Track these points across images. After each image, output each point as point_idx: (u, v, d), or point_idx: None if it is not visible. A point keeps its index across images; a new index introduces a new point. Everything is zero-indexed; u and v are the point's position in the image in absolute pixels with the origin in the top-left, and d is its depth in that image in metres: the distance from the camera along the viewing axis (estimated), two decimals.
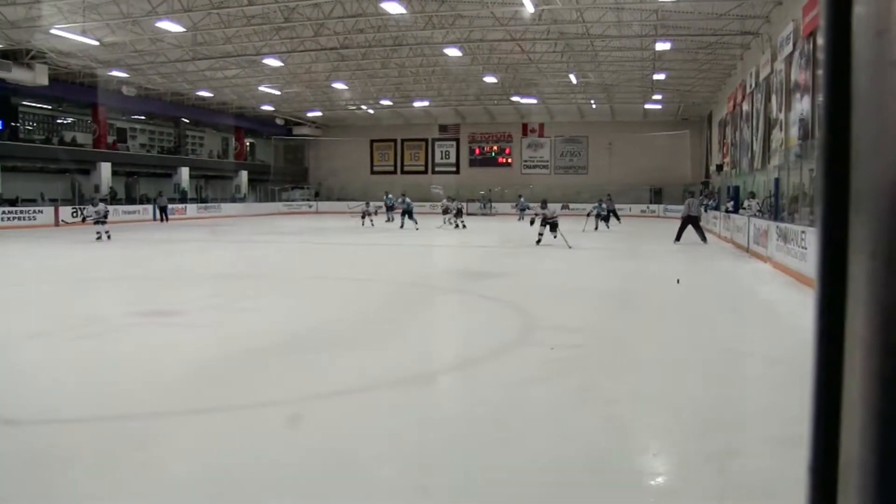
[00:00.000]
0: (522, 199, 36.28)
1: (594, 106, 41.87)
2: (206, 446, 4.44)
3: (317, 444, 4.45)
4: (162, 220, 34.21)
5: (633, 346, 7.42)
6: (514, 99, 39.98)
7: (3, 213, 27.97)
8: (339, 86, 36.36)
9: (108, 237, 20.79)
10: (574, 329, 8.10)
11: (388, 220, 31.53)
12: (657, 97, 37.81)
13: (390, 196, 33.29)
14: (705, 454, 4.29)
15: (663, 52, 27.51)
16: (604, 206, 27.20)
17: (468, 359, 6.86)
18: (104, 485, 3.84)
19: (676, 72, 31.85)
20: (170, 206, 36.15)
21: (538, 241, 18.09)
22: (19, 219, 28.34)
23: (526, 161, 48.06)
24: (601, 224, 26.50)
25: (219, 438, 4.58)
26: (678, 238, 20.61)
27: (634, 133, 44.04)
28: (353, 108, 44.18)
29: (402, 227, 27.27)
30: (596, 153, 46.26)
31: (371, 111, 45.36)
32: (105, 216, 21.56)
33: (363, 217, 30.25)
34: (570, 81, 34.28)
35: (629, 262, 16.32)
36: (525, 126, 47.50)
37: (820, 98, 0.72)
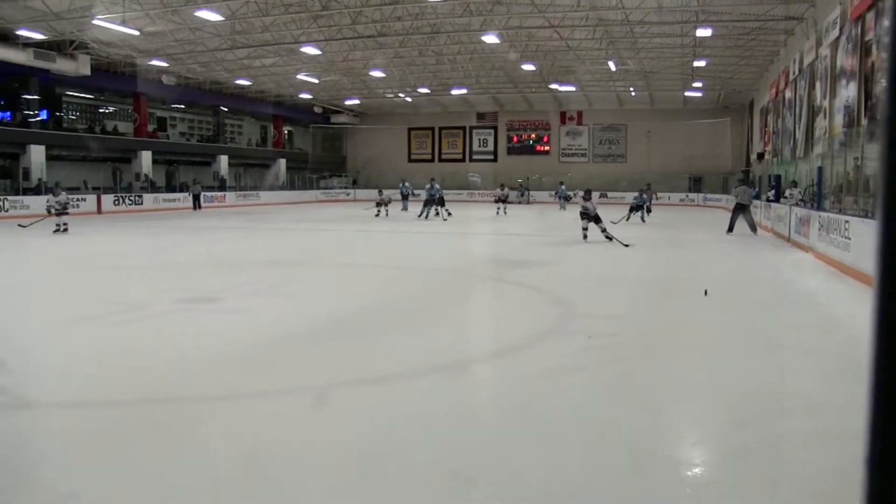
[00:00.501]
0: (563, 187, 34.85)
1: (633, 93, 41.41)
2: (241, 430, 4.48)
3: (350, 430, 4.47)
4: (195, 207, 33.98)
5: (672, 335, 7.34)
6: (553, 86, 39.67)
7: (48, 201, 28.35)
8: (376, 74, 36.40)
9: (66, 230, 19.36)
10: (612, 318, 8.03)
11: (404, 209, 31.01)
12: (697, 84, 37.25)
13: (406, 185, 32.98)
14: (745, 445, 4.22)
15: (704, 39, 27.09)
16: (644, 196, 25.91)
17: (504, 347, 6.82)
18: (142, 466, 3.89)
19: (717, 58, 31.36)
20: (208, 193, 36.61)
21: (585, 237, 16.70)
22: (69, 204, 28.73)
23: (564, 149, 47.74)
24: (634, 216, 24.66)
25: (254, 423, 4.62)
26: (730, 228, 19.88)
27: (674, 121, 43.48)
28: (391, 95, 44.22)
29: (423, 216, 26.07)
30: (634, 141, 45.80)
31: (409, 99, 45.37)
32: (66, 207, 20.04)
33: (378, 206, 28.72)
34: (609, 69, 33.95)
35: (669, 251, 16.15)
36: (563, 114, 47.17)
37: (881, 82, 0.69)
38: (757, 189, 26.58)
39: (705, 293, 8.73)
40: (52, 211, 20.03)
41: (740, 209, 20.15)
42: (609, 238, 16.02)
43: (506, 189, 32.62)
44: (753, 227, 20.05)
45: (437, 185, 26.98)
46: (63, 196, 20.43)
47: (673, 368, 5.97)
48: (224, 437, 4.38)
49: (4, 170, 29.78)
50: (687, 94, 39.97)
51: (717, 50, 29.91)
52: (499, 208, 30.79)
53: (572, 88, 39.89)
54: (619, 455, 4.07)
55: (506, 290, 10.60)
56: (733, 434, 4.44)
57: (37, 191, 29.09)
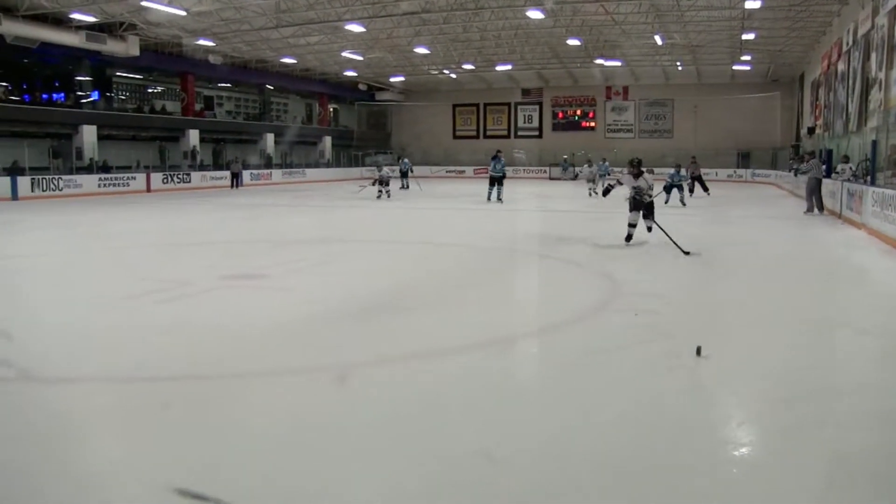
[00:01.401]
0: (606, 164, 29.65)
1: (680, 68, 40.65)
2: (282, 407, 4.54)
3: (388, 407, 4.49)
4: (233, 185, 33.74)
5: (720, 314, 7.22)
6: (598, 62, 39.09)
7: (100, 179, 29.09)
8: (421, 50, 36.28)
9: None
10: (659, 295, 7.93)
11: (403, 188, 30.41)
12: (746, 58, 36.36)
13: (406, 161, 32.56)
14: (792, 425, 4.16)
15: (753, 11, 26.39)
16: (682, 173, 22.22)
17: (547, 324, 6.79)
18: (184, 441, 3.97)
19: (767, 31, 30.56)
20: (255, 171, 36.99)
21: (629, 238, 12.04)
22: (114, 185, 29.39)
23: (610, 125, 47.15)
24: (673, 198, 21.08)
25: (297, 399, 4.68)
26: (815, 207, 18.43)
27: (721, 95, 42.58)
28: (436, 72, 44.04)
29: (490, 199, 22.41)
30: (681, 116, 45.02)
31: (453, 76, 45.15)
32: None
33: (376, 184, 25.43)
34: (656, 43, 33.34)
35: (718, 228, 15.89)
36: (609, 89, 46.53)
37: None
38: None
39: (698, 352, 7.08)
40: None
41: (816, 184, 18.62)
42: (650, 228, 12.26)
43: (594, 166, 27.37)
44: (821, 206, 18.62)
45: (503, 160, 22.87)
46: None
47: (720, 346, 5.89)
48: (265, 413, 4.44)
49: (58, 150, 30.44)
50: (735, 67, 39.05)
51: (767, 22, 29.13)
52: (591, 189, 25.88)
53: (618, 63, 39.28)
54: (662, 434, 4.04)
55: (550, 266, 10.54)
56: (781, 413, 4.38)
57: (89, 170, 29.72)
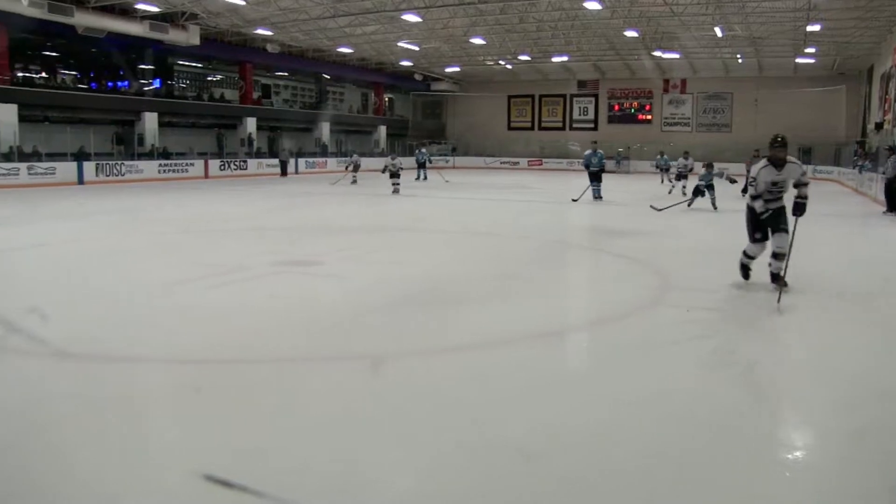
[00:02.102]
0: (665, 157, 29.99)
1: (740, 60, 39.70)
2: (330, 393, 4.57)
3: (440, 397, 4.50)
4: (283, 174, 33.79)
5: (777, 312, 7.03)
6: (656, 54, 38.49)
7: (160, 165, 29.76)
8: (477, 41, 36.17)
9: None
10: (713, 291, 7.78)
11: (423, 179, 30.17)
12: (810, 50, 35.26)
13: (423, 151, 32.31)
14: (851, 430, 4.03)
15: (819, 2, 25.68)
16: (714, 171, 17.51)
17: (598, 318, 6.72)
18: (234, 424, 4.03)
19: (833, 22, 29.60)
20: (310, 160, 37.37)
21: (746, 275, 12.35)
22: (173, 171, 30.04)
23: (666, 118, 46.41)
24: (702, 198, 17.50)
25: (343, 386, 4.71)
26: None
27: (783, 89, 41.47)
28: (491, 63, 43.87)
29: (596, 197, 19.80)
30: (740, 110, 44.02)
31: (509, 66, 44.93)
32: None
33: (354, 170, 27.69)
34: (716, 35, 32.62)
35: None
36: (666, 82, 45.77)
37: None
38: (873, 162, 25.07)
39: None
40: None
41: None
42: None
43: (689, 158, 22.66)
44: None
45: (601, 153, 20.41)
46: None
47: (777, 346, 5.75)
48: (309, 399, 4.48)
49: (121, 136, 31.21)
50: (798, 60, 37.96)
51: (834, 13, 28.23)
52: (672, 184, 23.08)
53: (676, 56, 38.60)
54: (713, 433, 3.95)
55: (603, 259, 10.43)
56: (839, 418, 4.24)
57: (150, 156, 30.39)
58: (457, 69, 45.67)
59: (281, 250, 10.57)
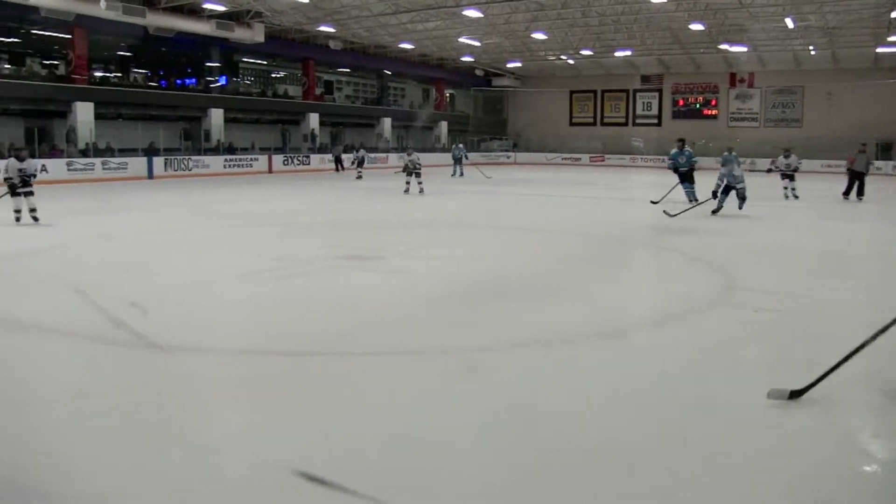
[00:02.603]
0: (734, 153, 27.22)
1: (813, 52, 38.32)
2: (392, 387, 4.63)
3: (494, 395, 4.50)
4: (337, 169, 32.83)
5: (844, 314, 6.80)
6: (723, 47, 37.62)
7: (225, 160, 30.43)
8: (538, 36, 35.95)
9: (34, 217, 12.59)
10: (778, 292, 7.60)
11: (459, 175, 29.84)
12: (893, 39, 33.36)
13: (460, 146, 31.88)
14: None
15: None
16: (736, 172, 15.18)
17: (659, 317, 6.63)
18: (291, 415, 4.12)
19: None
20: (371, 155, 37.57)
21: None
22: (238, 166, 30.68)
23: (733, 113, 45.37)
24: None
25: (404, 381, 4.77)
26: None
27: (860, 81, 39.92)
28: (553, 58, 43.56)
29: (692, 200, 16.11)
30: (812, 104, 42.67)
31: (571, 61, 44.52)
32: (28, 180, 12.53)
33: (358, 165, 28.68)
34: (786, 26, 31.61)
35: (848, 223, 14.98)
36: (733, 76, 44.72)
37: None
38: None
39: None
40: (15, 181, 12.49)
41: None
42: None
43: (792, 156, 20.65)
44: None
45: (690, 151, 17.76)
46: (30, 164, 12.74)
47: (842, 350, 5.60)
48: (374, 393, 4.53)
49: (189, 132, 32.01)
50: (879, 50, 36.08)
51: None
52: (787, 188, 20.17)
53: (744, 49, 37.63)
54: (777, 439, 3.88)
55: (664, 257, 10.29)
56: None
57: (216, 151, 31.08)
58: (518, 64, 45.47)
59: (342, 244, 10.71)
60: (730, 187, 14.91)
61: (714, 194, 15.02)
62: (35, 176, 12.49)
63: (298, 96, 38.14)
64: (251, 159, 31.69)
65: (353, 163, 29.55)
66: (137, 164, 26.73)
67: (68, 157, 25.16)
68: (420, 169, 20.24)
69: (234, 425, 4.07)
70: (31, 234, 11.64)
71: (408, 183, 20.15)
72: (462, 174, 30.06)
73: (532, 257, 10.21)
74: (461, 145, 32.64)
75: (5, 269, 8.67)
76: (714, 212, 14.91)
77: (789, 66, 41.96)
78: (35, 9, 23.62)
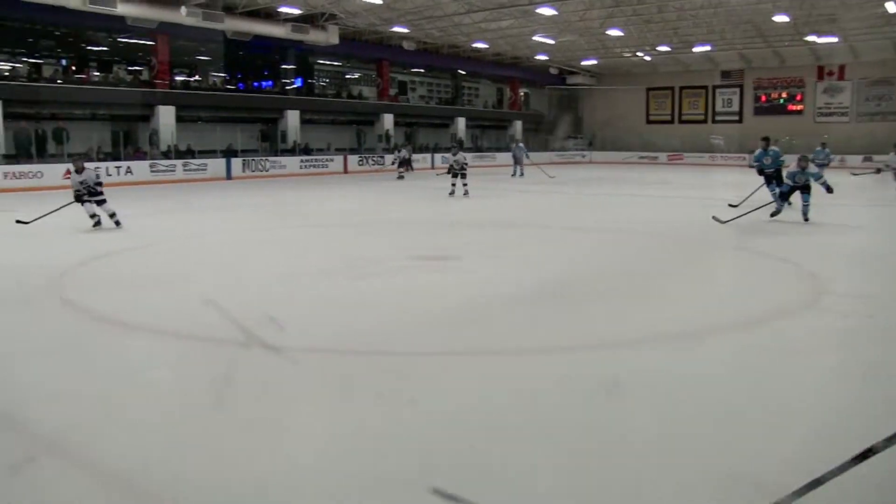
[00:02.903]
0: (827, 150, 23.89)
1: None
2: (461, 387, 4.56)
3: (564, 396, 4.40)
4: (405, 170, 31.05)
5: None
6: (809, 38, 36.14)
7: (301, 161, 30.93)
8: (614, 33, 35.35)
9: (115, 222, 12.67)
10: (871, 297, 7.21)
11: (514, 175, 28.93)
12: None
13: (520, 145, 31.03)
14: None
15: None
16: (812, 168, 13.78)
17: (742, 321, 6.33)
18: (365, 413, 4.08)
19: None
20: (445, 155, 37.53)
21: None
22: (314, 166, 31.15)
23: (820, 108, 43.65)
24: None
25: (475, 380, 4.69)
26: None
27: None
28: (629, 55, 42.82)
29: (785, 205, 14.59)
30: None
31: (647, 58, 43.67)
32: (93, 189, 12.61)
33: (399, 167, 28.53)
34: (885, 12, 29.41)
35: None
36: (821, 69, 43.00)
37: None
38: None
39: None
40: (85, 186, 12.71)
41: None
42: None
43: None
44: None
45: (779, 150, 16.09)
46: (90, 175, 12.69)
47: None
48: (446, 393, 4.48)
49: (266, 133, 32.66)
50: None
51: None
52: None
53: (833, 39, 35.92)
54: (844, 447, 3.62)
55: (748, 259, 9.92)
56: None
57: (292, 152, 31.61)
58: (593, 62, 44.88)
59: (417, 244, 10.70)
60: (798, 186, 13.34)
61: (783, 195, 13.72)
62: (100, 184, 12.59)
63: (373, 97, 38.51)
64: (327, 160, 32.14)
65: (393, 162, 29.64)
66: (216, 165, 27.40)
67: (151, 159, 25.98)
68: (466, 170, 19.18)
69: (309, 421, 4.06)
70: (116, 236, 11.97)
71: (453, 185, 19.08)
72: (522, 174, 29.41)
73: (606, 257, 10.00)
74: (521, 144, 32.19)
75: (100, 269, 8.98)
76: (773, 214, 13.66)
77: (886, 56, 39.72)
78: (121, 18, 24.44)
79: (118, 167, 24.38)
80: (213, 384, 4.66)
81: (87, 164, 13.17)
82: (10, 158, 23.03)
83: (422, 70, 43.36)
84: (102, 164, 23.94)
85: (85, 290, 7.64)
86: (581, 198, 20.38)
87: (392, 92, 39.58)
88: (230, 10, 27.10)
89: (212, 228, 13.31)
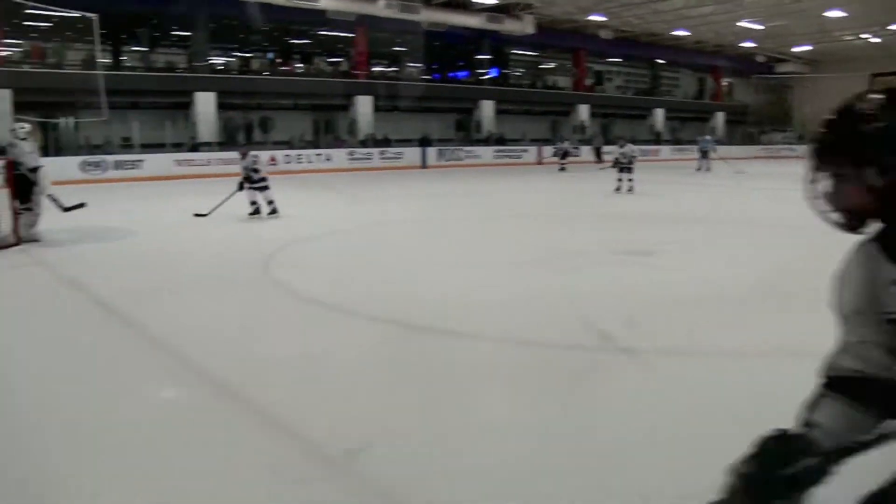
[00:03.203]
0: None
1: None
2: (659, 387, 4.26)
3: (776, 402, 3.97)
4: (598, 160, 30.09)
5: None
6: None
7: (495, 151, 31.20)
8: (834, 14, 32.67)
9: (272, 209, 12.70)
10: None
11: (699, 170, 26.48)
12: None
13: (707, 138, 28.32)
14: None
15: None
16: None
17: None
18: (555, 409, 3.91)
19: None
20: (642, 147, 36.38)
21: None
22: (508, 157, 31.29)
23: None
24: None
25: (677, 381, 4.39)
26: None
27: None
28: (851, 37, 39.39)
29: None
30: None
31: (875, 39, 39.85)
32: (251, 175, 12.68)
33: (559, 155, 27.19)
34: None
35: None
36: None
37: None
38: None
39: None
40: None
41: None
42: None
43: None
44: None
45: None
46: (251, 159, 12.82)
47: None
48: (635, 391, 4.20)
49: (461, 123, 33.24)
50: None
51: None
52: None
53: None
54: None
55: None
56: None
57: (486, 142, 31.97)
58: (807, 48, 41.79)
59: (618, 238, 10.23)
60: None
61: None
62: (256, 171, 12.55)
63: (568, 87, 38.15)
64: (521, 150, 32.20)
65: (554, 154, 28.79)
66: (412, 154, 28.25)
67: (349, 147, 27.18)
68: (633, 164, 17.68)
69: (498, 412, 3.98)
70: (313, 222, 12.39)
71: (619, 180, 17.59)
72: (709, 169, 27.21)
73: (819, 258, 9.01)
74: (708, 136, 30.10)
75: (296, 253, 9.34)
76: None
77: None
78: (322, 12, 25.77)
79: (318, 154, 25.78)
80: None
81: (253, 152, 13.28)
82: (223, 146, 24.93)
83: (619, 59, 42.35)
84: (304, 152, 25.53)
85: (303, 273, 7.87)
86: (782, 193, 18.90)
87: (588, 82, 39.00)
88: (427, 2, 27.86)
89: (406, 216, 13.52)
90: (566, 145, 28.94)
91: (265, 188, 12.52)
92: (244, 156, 12.68)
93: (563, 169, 27.22)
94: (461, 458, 3.23)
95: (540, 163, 31.77)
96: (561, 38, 35.70)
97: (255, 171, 12.52)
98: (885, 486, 1.52)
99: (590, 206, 15.59)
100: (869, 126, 1.39)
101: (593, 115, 37.76)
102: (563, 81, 38.92)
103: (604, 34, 35.58)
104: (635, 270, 7.98)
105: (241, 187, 12.57)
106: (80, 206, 10.31)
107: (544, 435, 3.51)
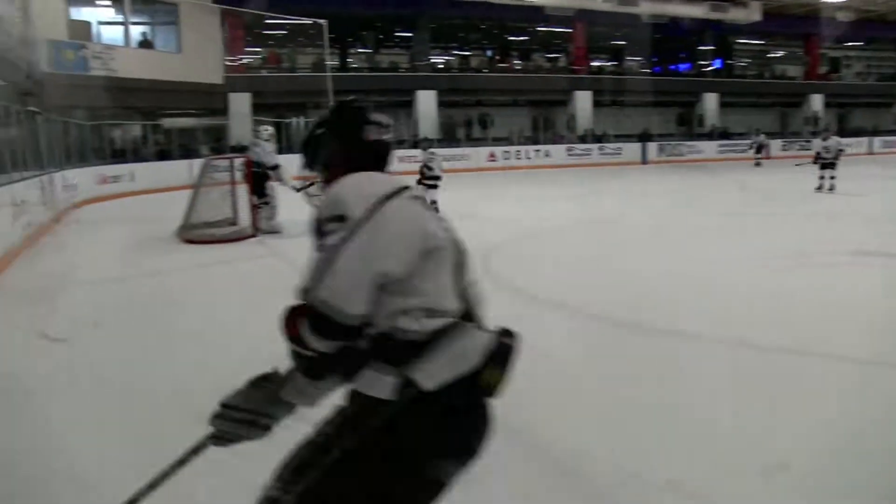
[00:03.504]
0: None
1: None
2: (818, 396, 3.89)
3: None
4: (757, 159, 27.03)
5: None
6: None
7: (719, 145, 29.83)
8: None
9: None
10: None
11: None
12: None
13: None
14: None
15: None
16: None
17: None
18: (759, 412, 3.66)
19: None
20: (889, 139, 33.20)
21: None
22: (732, 151, 29.75)
23: None
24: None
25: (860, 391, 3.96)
26: None
27: None
28: None
29: None
30: None
31: None
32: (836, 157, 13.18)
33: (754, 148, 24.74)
34: None
35: None
36: None
37: None
38: None
39: None
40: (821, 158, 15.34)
41: None
42: None
43: None
44: None
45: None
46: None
47: None
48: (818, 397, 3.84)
49: (683, 117, 32.16)
50: None
51: None
52: None
53: None
54: None
55: None
56: None
57: (709, 136, 30.67)
58: None
59: (856, 240, 9.26)
60: None
61: None
62: (430, 168, 12.19)
63: (799, 76, 35.76)
64: (746, 145, 30.53)
65: (750, 147, 26.89)
66: (631, 149, 27.72)
67: (568, 143, 27.10)
68: (839, 159, 15.42)
69: (714, 411, 3.71)
70: (535, 216, 12.35)
71: (821, 178, 15.46)
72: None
73: None
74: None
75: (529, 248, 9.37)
76: None
77: None
78: (540, 8, 25.92)
79: (537, 150, 25.89)
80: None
81: (432, 149, 12.95)
82: (441, 143, 25.69)
83: (859, 43, 38.77)
84: (522, 148, 25.83)
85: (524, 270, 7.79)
86: None
87: (821, 70, 36.23)
88: None
89: (616, 214, 13.15)
90: (762, 138, 27.15)
91: (433, 187, 12.29)
92: (425, 151, 12.87)
93: (758, 164, 25.67)
94: None
95: (769, 157, 29.69)
96: (790, 23, 33.39)
97: (429, 168, 12.49)
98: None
99: (853, 204, 13.90)
100: None
101: (827, 104, 35.02)
102: (793, 70, 36.47)
103: (842, 16, 32.87)
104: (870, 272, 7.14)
105: (419, 183, 12.51)
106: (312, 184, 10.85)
107: None
